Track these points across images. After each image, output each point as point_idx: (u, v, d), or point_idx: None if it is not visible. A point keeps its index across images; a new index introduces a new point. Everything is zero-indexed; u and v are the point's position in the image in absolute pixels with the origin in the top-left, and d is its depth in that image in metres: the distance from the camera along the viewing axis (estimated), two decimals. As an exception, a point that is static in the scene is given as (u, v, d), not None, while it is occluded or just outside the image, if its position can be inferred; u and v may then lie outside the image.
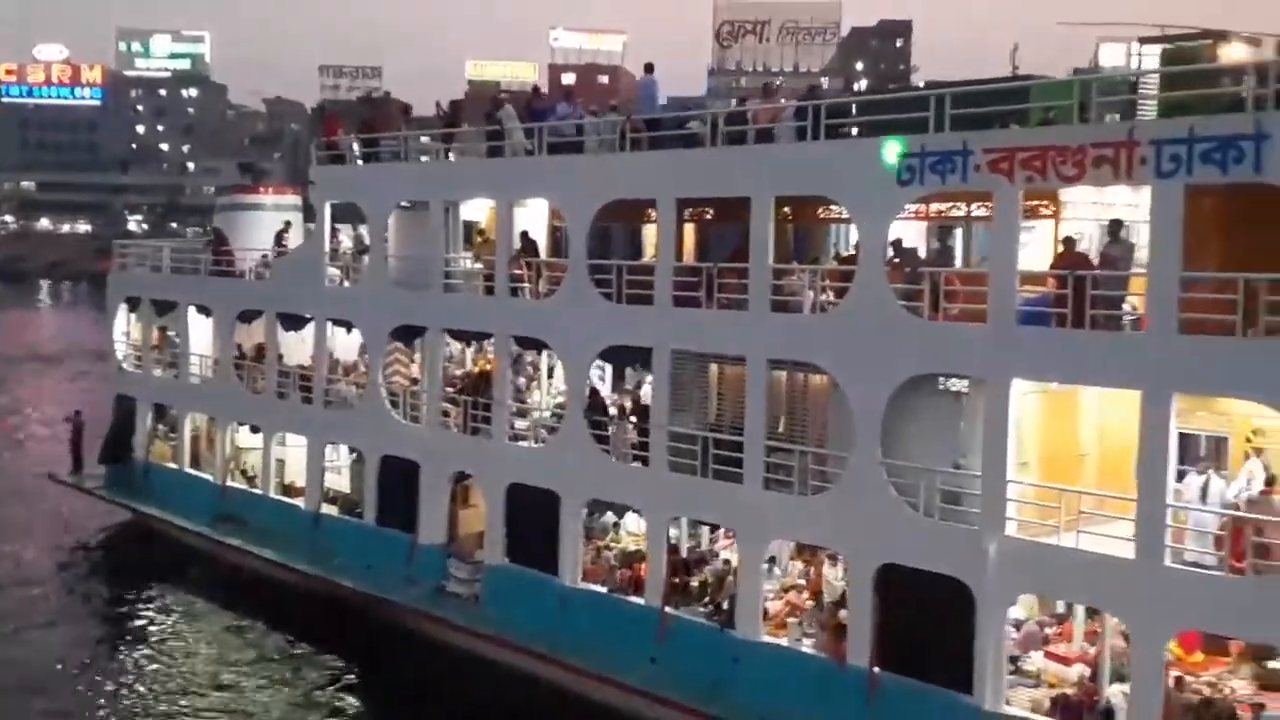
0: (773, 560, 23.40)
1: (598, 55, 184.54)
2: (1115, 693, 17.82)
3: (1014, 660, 19.34)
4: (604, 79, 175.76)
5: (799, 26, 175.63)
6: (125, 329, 37.97)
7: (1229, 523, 17.06)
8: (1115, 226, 18.49)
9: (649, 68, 24.57)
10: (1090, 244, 19.74)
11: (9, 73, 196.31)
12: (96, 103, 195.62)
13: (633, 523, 25.35)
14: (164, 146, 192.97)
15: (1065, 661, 19.17)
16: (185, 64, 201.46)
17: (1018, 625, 19.99)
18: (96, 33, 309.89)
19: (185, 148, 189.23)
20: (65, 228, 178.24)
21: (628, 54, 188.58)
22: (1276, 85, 16.49)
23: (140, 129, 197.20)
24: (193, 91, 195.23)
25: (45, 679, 26.47)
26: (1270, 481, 17.26)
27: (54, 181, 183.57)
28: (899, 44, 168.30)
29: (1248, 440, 18.08)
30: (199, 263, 35.04)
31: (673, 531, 24.21)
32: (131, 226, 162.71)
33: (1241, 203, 17.04)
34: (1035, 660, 19.42)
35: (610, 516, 25.83)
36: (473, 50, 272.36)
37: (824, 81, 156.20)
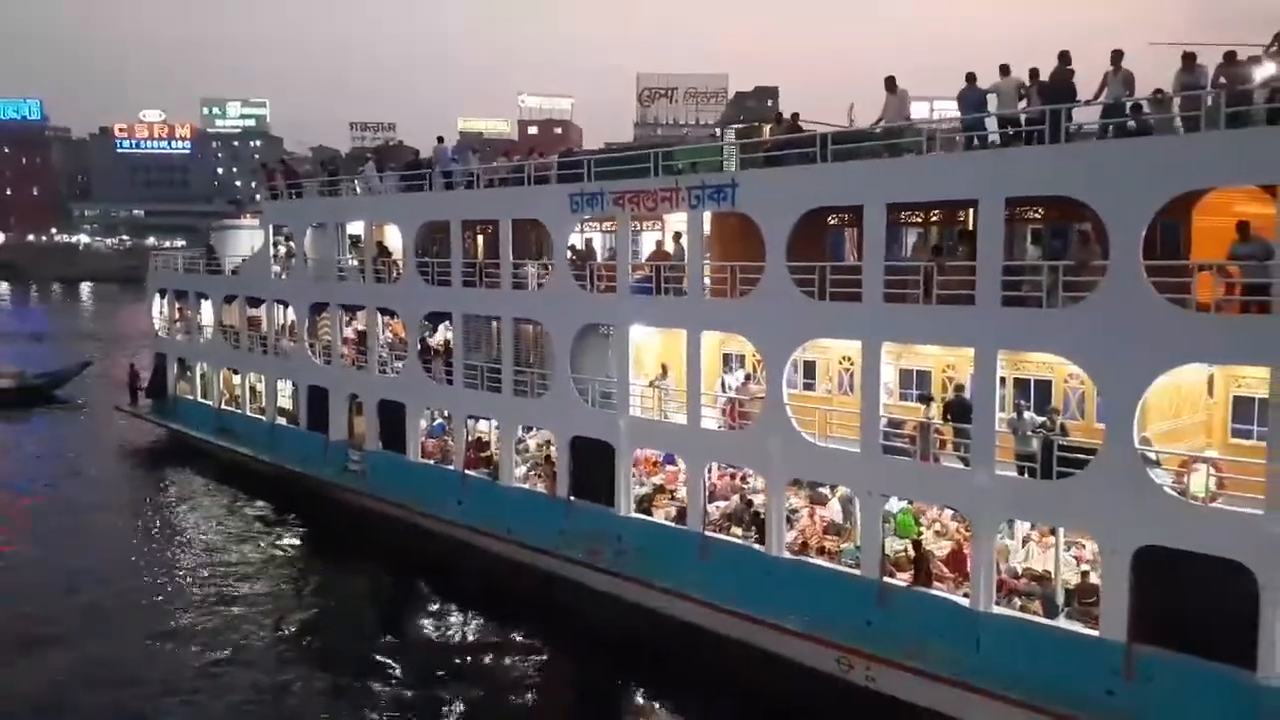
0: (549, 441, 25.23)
1: (554, 113, 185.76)
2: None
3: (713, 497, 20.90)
4: (558, 130, 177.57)
5: (698, 91, 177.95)
6: (160, 309, 39.93)
7: (727, 401, 20.77)
8: (676, 235, 21.28)
9: (440, 139, 27.29)
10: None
11: (121, 130, 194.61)
12: (186, 152, 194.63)
13: (483, 425, 26.17)
14: (237, 184, 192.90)
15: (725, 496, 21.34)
16: (252, 123, 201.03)
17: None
18: (186, 100, 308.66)
19: (253, 184, 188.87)
20: (166, 244, 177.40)
21: (575, 112, 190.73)
22: (751, 154, 20.01)
23: (220, 171, 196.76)
24: (257, 142, 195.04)
25: (111, 523, 29.63)
26: (748, 378, 21.18)
27: (157, 210, 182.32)
28: (769, 102, 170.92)
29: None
30: (199, 266, 37.19)
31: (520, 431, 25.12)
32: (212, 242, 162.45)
33: (739, 223, 19.80)
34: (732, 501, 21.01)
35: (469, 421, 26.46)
36: (461, 108, 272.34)
37: (717, 131, 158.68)
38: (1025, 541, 17.77)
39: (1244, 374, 15.88)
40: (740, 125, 24.14)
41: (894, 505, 18.63)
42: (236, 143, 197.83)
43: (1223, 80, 14.19)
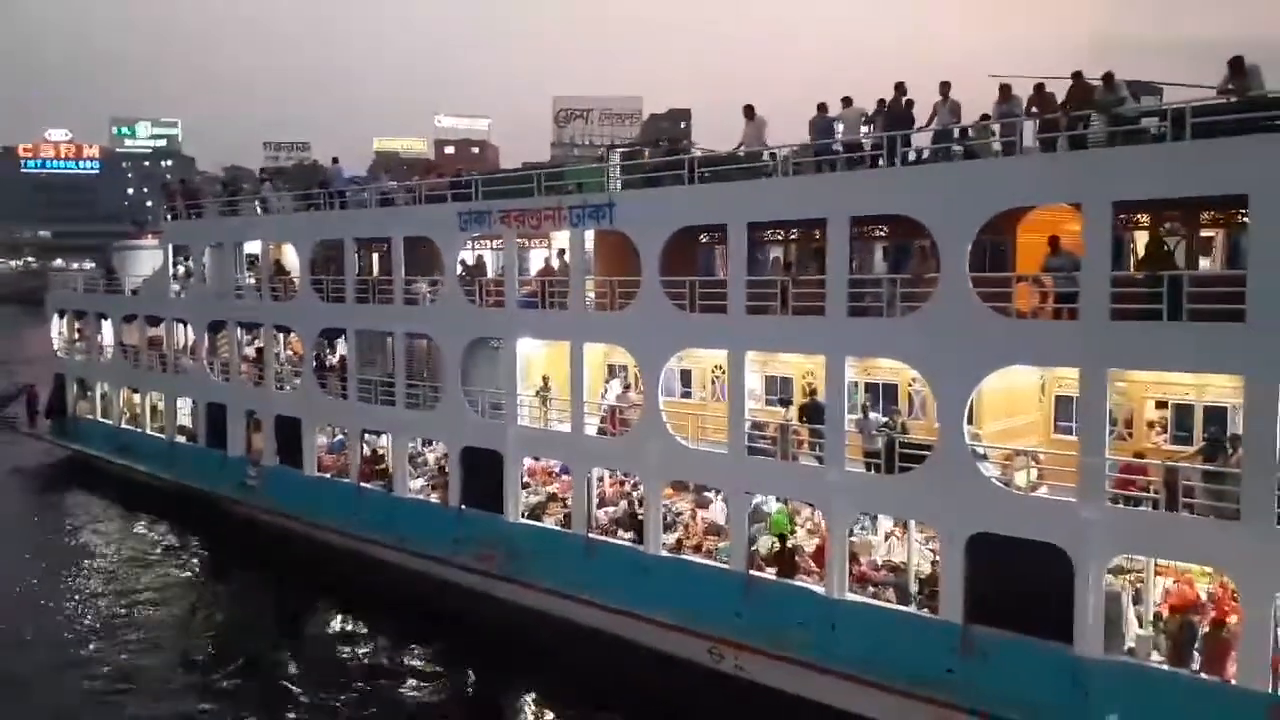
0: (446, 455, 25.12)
1: (470, 133, 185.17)
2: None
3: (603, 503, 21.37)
4: (475, 150, 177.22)
5: (613, 112, 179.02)
6: (60, 329, 39.22)
7: (609, 410, 21.32)
8: (561, 252, 22.09)
9: (335, 160, 27.53)
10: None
11: (26, 150, 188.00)
12: (95, 172, 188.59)
13: (382, 440, 26.09)
14: (148, 204, 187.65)
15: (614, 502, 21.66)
16: (163, 142, 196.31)
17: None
18: (95, 119, 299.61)
19: (163, 205, 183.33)
20: (74, 265, 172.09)
21: (492, 132, 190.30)
22: (626, 175, 20.70)
23: (130, 191, 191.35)
24: (169, 162, 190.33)
25: (7, 548, 28.73)
26: (626, 388, 21.97)
27: (64, 231, 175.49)
28: (682, 124, 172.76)
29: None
30: (99, 286, 36.56)
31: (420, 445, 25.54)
32: (114, 263, 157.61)
33: (620, 241, 20.43)
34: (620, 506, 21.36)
35: (369, 436, 26.41)
36: (379, 128, 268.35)
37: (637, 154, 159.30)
38: (887, 536, 18.83)
39: (1065, 375, 17.17)
40: (624, 148, 24.85)
41: (772, 505, 19.46)
42: (147, 162, 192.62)
43: (1034, 109, 15.47)
